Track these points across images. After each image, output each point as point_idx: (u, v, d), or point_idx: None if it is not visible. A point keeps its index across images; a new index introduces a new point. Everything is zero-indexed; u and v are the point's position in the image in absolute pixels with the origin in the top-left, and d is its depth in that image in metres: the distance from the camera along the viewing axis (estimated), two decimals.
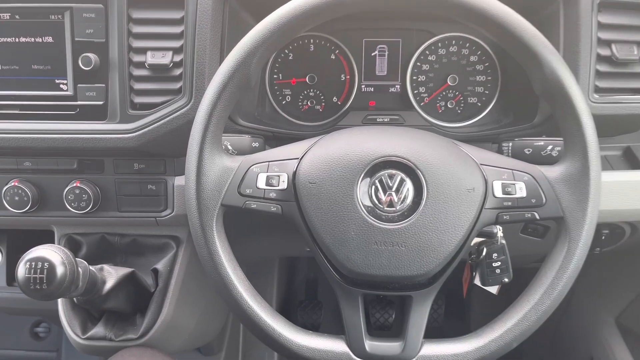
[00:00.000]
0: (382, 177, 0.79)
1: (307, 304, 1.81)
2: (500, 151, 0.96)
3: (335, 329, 1.81)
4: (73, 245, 1.12)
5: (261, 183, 0.81)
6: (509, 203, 0.79)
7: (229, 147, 0.94)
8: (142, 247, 1.13)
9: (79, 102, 1.00)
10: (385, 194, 0.78)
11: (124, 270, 1.03)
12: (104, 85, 0.98)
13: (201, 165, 0.79)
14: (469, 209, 0.77)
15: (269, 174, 0.81)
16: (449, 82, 1.16)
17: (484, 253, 0.94)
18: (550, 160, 0.90)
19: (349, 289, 0.80)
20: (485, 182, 0.79)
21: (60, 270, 0.81)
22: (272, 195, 0.81)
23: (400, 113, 1.11)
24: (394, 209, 0.78)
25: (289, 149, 0.85)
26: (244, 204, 0.80)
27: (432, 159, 0.79)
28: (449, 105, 1.17)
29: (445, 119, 1.18)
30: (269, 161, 0.82)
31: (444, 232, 0.77)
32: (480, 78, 1.16)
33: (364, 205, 0.78)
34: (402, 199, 0.78)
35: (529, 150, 0.93)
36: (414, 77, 1.16)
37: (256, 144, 0.96)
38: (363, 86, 1.14)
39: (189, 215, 0.80)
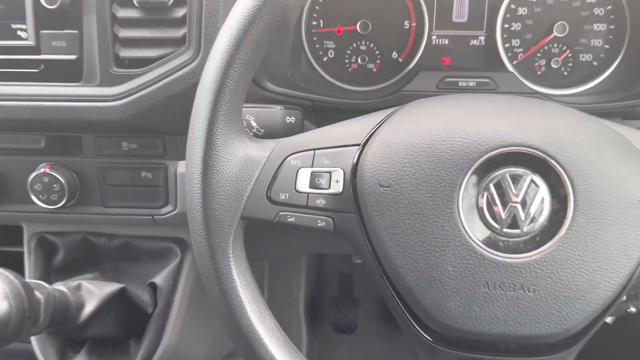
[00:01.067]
0: (500, 180, 0.49)
1: (341, 301, 1.54)
2: None
3: (373, 331, 1.54)
4: (46, 248, 0.85)
5: (303, 184, 0.52)
6: None
7: (253, 124, 0.64)
8: (137, 252, 0.85)
9: (43, 56, 0.77)
10: (504, 208, 0.49)
11: (110, 287, 0.76)
12: (76, 31, 0.73)
13: (210, 155, 0.51)
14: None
15: (314, 169, 0.52)
16: (555, 32, 0.84)
17: None
18: None
19: (438, 350, 0.52)
20: None
21: (1, 307, 0.55)
22: (320, 202, 0.52)
23: (491, 75, 0.79)
24: (518, 231, 0.49)
25: (344, 129, 0.55)
26: (277, 216, 0.52)
27: (582, 150, 0.49)
28: (552, 65, 0.86)
29: (546, 83, 0.87)
30: (314, 148, 0.53)
31: (599, 269, 0.48)
32: (599, 27, 0.84)
33: (469, 225, 0.48)
34: (532, 215, 0.49)
35: None
36: (506, 26, 0.85)
37: (292, 119, 0.66)
38: (434, 37, 0.85)
39: (192, 234, 0.52)
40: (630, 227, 0.49)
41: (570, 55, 0.85)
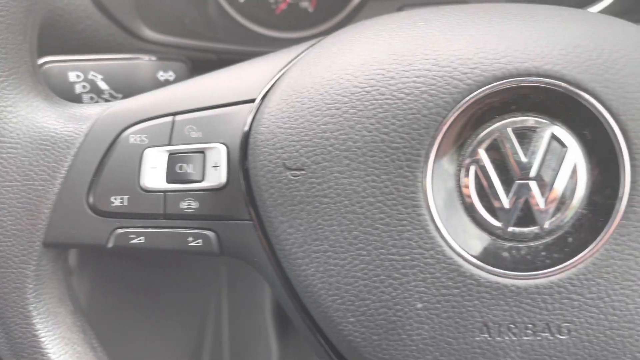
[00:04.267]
0: (498, 140, 0.27)
1: None
2: None
3: None
4: None
5: (155, 176, 0.30)
6: None
7: (102, 86, 0.41)
8: None
9: None
10: (508, 191, 0.27)
11: None
12: None
13: None
14: None
15: (174, 147, 0.30)
16: None
17: None
18: None
19: None
20: None
21: None
22: (189, 206, 0.30)
23: None
24: (535, 229, 0.28)
25: (228, 77, 0.33)
26: (111, 237, 0.29)
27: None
28: None
29: None
30: (172, 113, 0.30)
31: None
32: None
33: (448, 226, 0.27)
34: (558, 199, 0.27)
35: None
36: None
37: (170, 76, 0.43)
38: None
39: None
40: None
41: None
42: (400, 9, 0.58)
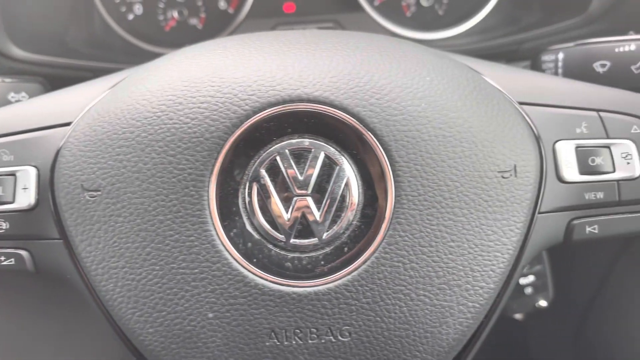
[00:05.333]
0: (277, 161, 0.30)
1: None
2: (538, 69, 0.48)
3: None
4: None
5: None
6: (600, 195, 0.31)
7: None
8: None
9: None
10: (288, 206, 0.30)
11: None
12: None
13: None
14: (507, 219, 0.29)
15: None
16: None
17: None
18: None
19: None
20: (538, 147, 0.30)
21: None
22: (0, 226, 0.31)
23: (338, 17, 0.59)
24: (314, 241, 0.30)
25: (49, 101, 0.35)
26: None
27: (405, 102, 0.30)
28: (422, 4, 0.67)
29: (417, 26, 0.68)
30: None
31: (449, 287, 0.29)
32: None
33: (234, 240, 0.29)
34: (333, 212, 0.30)
35: (603, 65, 0.44)
36: None
37: (23, 97, 0.44)
38: None
39: None
40: (491, 211, 0.30)
41: None
42: (274, 27, 0.61)
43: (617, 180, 0.33)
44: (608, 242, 0.69)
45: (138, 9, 0.66)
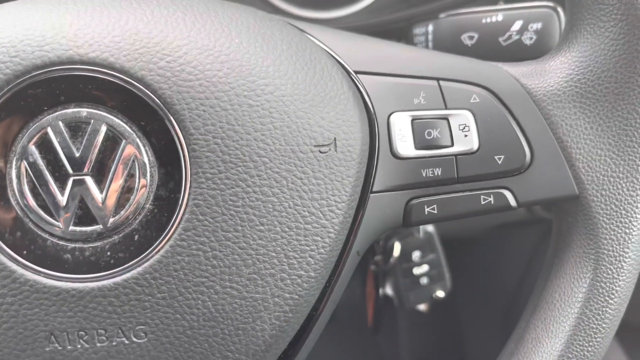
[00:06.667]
0: (49, 136, 0.25)
1: None
2: (411, 42, 0.45)
3: None
4: None
5: None
6: (437, 172, 0.28)
7: None
8: None
9: None
10: (63, 188, 0.25)
11: None
12: None
13: None
14: (326, 199, 0.26)
15: None
16: None
17: (396, 252, 0.55)
18: (519, 55, 0.40)
19: None
20: (370, 119, 0.27)
21: None
22: None
23: None
24: (97, 228, 0.26)
25: None
26: None
27: (206, 63, 0.26)
28: None
29: (311, 4, 0.64)
30: None
31: (260, 276, 0.26)
32: None
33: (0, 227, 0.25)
34: (118, 195, 0.25)
35: (471, 37, 0.42)
36: None
37: None
38: None
39: None
40: (306, 190, 0.27)
41: None
42: None
43: (455, 155, 0.30)
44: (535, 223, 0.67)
45: None
